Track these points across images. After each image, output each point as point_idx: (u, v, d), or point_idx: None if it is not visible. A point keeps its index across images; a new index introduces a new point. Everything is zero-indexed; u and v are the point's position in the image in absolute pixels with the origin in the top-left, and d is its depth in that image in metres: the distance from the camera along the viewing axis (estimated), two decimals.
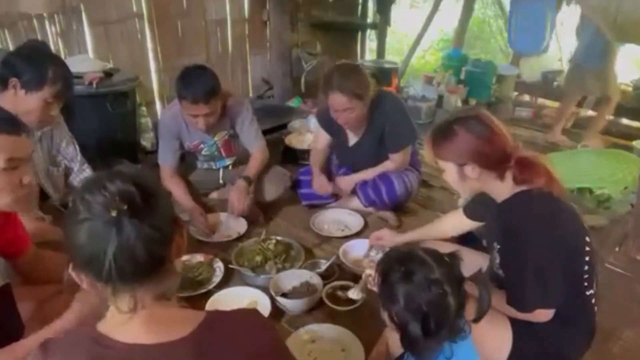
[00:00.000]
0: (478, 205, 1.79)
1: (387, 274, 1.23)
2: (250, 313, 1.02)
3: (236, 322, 0.94)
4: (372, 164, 2.70)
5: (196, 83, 2.33)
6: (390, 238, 2.18)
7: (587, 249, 1.49)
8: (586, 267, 1.48)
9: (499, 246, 1.52)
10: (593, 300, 1.53)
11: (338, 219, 2.78)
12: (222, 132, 2.68)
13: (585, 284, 1.49)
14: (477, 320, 1.21)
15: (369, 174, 2.71)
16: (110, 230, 0.79)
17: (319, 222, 2.71)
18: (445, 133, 1.53)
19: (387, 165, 2.67)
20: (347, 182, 2.77)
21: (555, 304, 1.43)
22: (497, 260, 1.52)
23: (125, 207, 0.79)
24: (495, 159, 1.48)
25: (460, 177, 1.54)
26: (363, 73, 2.46)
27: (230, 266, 2.25)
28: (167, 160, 2.64)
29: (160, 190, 0.89)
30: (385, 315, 1.25)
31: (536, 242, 1.40)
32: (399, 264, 1.21)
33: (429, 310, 1.14)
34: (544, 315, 1.44)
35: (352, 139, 2.72)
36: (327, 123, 2.71)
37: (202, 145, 2.70)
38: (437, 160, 1.57)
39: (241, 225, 2.64)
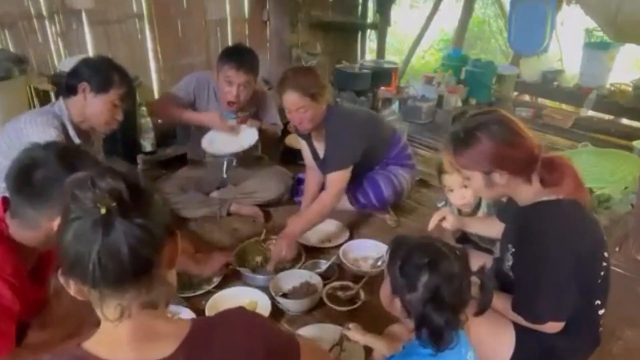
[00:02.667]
0: (504, 207, 1.75)
1: (407, 261, 1.18)
2: (238, 314, 0.98)
3: (222, 327, 0.92)
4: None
5: (243, 53, 2.65)
6: (453, 223, 1.94)
7: (604, 264, 1.47)
8: (599, 281, 1.46)
9: (513, 249, 1.48)
10: (600, 312, 1.51)
11: (325, 229, 2.61)
12: (245, 112, 2.78)
13: (594, 295, 1.48)
14: (479, 313, 1.19)
15: (309, 217, 2.40)
16: (96, 230, 0.76)
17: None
18: (467, 141, 1.44)
19: (322, 197, 2.41)
20: (286, 240, 2.29)
21: (566, 317, 1.42)
22: (510, 263, 1.49)
23: (114, 204, 0.77)
24: (523, 163, 1.43)
25: (487, 185, 1.48)
26: (317, 74, 2.43)
27: (230, 266, 2.25)
28: (174, 95, 2.78)
29: (154, 193, 0.86)
30: (395, 301, 1.20)
31: (556, 256, 1.37)
32: (422, 253, 1.17)
33: (450, 301, 1.13)
34: (554, 327, 1.42)
35: (321, 152, 2.62)
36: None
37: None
38: (462, 170, 1.51)
39: (252, 135, 2.68)
